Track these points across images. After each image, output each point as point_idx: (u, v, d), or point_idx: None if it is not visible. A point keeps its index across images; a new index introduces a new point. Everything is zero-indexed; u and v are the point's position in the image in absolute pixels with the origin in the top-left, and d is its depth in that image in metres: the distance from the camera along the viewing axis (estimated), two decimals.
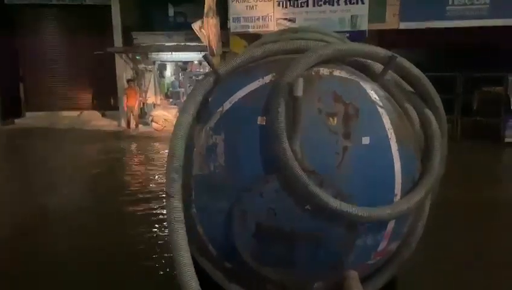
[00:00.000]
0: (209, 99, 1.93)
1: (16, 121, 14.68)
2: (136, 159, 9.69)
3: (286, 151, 1.62)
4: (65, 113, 15.00)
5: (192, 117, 1.85)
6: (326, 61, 1.92)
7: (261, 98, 1.77)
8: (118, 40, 13.49)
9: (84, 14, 14.47)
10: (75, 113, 15.07)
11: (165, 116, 12.81)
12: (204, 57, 2.01)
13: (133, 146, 11.00)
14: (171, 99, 15.03)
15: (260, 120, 1.74)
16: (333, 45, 2.00)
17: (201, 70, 14.91)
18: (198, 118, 1.89)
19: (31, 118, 14.87)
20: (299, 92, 1.67)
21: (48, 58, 15.37)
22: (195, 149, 1.87)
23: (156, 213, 5.19)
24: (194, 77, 15.18)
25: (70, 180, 7.18)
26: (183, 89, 15.23)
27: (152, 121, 12.88)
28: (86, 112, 15.14)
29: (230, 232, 1.79)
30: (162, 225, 4.72)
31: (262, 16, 10.33)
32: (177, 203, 1.72)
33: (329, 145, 1.71)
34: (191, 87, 14.43)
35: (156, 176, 7.32)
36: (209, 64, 1.96)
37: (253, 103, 1.80)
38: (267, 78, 1.85)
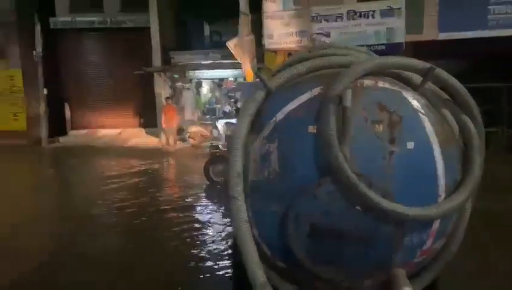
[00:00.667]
0: (262, 111, 2.11)
1: (61, 139, 15.43)
2: (170, 174, 10.06)
3: (338, 156, 1.77)
4: (106, 131, 15.63)
5: (247, 128, 2.02)
6: (369, 74, 2.07)
7: (311, 109, 1.94)
8: (156, 59, 14.00)
9: (125, 36, 15.14)
10: (116, 131, 15.66)
11: (201, 133, 13.06)
12: (256, 73, 2.22)
13: (169, 161, 11.37)
14: (207, 116, 15.34)
15: (311, 129, 1.90)
16: (376, 59, 2.18)
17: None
18: (252, 128, 2.07)
19: (75, 136, 15.60)
20: (348, 102, 1.85)
21: (90, 79, 16.15)
22: (250, 157, 2.03)
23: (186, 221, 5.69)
24: (229, 93, 15.47)
25: (104, 194, 7.67)
26: (219, 106, 15.53)
27: (189, 137, 13.17)
28: (126, 130, 15.70)
29: (284, 233, 1.92)
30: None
31: (297, 32, 10.42)
32: (242, 204, 1.90)
33: (377, 150, 1.87)
34: (226, 104, 14.75)
35: (187, 191, 7.72)
36: (260, 80, 2.15)
37: (304, 114, 1.97)
38: (316, 91, 2.02)
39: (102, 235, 5.43)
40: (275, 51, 10.88)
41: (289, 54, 10.02)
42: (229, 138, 8.02)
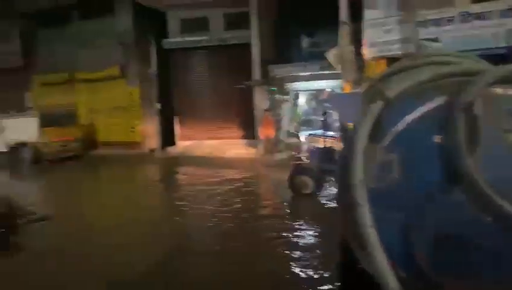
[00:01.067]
0: (381, 120, 2.11)
1: (170, 149, 16.77)
2: (263, 183, 10.38)
3: (467, 166, 1.67)
4: (210, 142, 16.58)
5: (366, 137, 2.06)
6: (497, 82, 1.88)
7: (436, 118, 1.84)
8: (256, 73, 14.51)
9: (228, 52, 15.98)
10: (218, 142, 16.53)
11: (297, 144, 13.13)
12: (372, 83, 2.25)
13: (264, 172, 11.69)
14: (304, 127, 15.38)
15: (436, 138, 1.80)
16: (508, 66, 2.03)
17: None
18: (371, 137, 2.09)
19: (182, 147, 16.82)
20: (478, 110, 1.75)
21: (196, 94, 17.31)
22: (369, 166, 2.05)
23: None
24: (326, 104, 15.31)
25: (200, 198, 8.70)
26: (316, 117, 15.46)
27: (287, 148, 13.32)
28: (227, 141, 16.46)
29: (407, 242, 1.85)
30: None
31: (402, 39, 9.93)
32: (366, 210, 1.87)
33: (509, 160, 1.71)
34: (323, 115, 14.68)
35: (276, 200, 8.25)
36: (378, 90, 2.16)
37: (428, 123, 1.86)
38: (440, 100, 1.90)
39: (201, 236, 6.20)
40: (376, 60, 10.51)
41: (390, 62, 9.58)
42: (318, 151, 8.04)
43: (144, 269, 4.81)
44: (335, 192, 7.66)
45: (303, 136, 9.32)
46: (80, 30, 17.80)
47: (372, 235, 1.93)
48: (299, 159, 8.52)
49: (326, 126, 8.74)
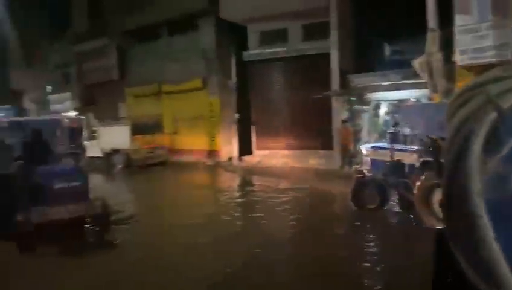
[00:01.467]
0: (496, 132, 2.00)
1: (247, 158, 17.08)
2: (338, 196, 10.24)
3: None
4: (285, 152, 16.59)
5: (481, 149, 1.97)
6: None
7: None
8: (335, 83, 14.26)
9: (306, 62, 15.92)
10: (294, 152, 16.48)
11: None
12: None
13: (340, 184, 11.41)
14: (384, 139, 14.71)
15: None
16: None
17: None
18: (486, 149, 1.98)
19: (259, 156, 17.06)
20: None
21: (273, 104, 17.47)
22: (484, 177, 1.98)
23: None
24: (394, 115, 14.50)
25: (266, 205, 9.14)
26: (397, 129, 14.68)
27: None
28: (303, 152, 16.33)
29: None
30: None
31: (497, 45, 9.10)
32: (487, 223, 1.88)
33: None
34: (406, 126, 13.95)
35: (346, 213, 8.20)
36: (491, 100, 2.04)
37: None
38: None
39: (267, 241, 6.50)
40: (468, 68, 9.74)
41: (482, 71, 8.79)
42: (383, 164, 7.68)
43: (216, 269, 5.04)
44: (399, 206, 7.57)
45: (364, 149, 8.94)
46: (166, 45, 19.10)
47: (496, 248, 1.78)
48: (361, 172, 8.19)
49: (395, 138, 8.29)
